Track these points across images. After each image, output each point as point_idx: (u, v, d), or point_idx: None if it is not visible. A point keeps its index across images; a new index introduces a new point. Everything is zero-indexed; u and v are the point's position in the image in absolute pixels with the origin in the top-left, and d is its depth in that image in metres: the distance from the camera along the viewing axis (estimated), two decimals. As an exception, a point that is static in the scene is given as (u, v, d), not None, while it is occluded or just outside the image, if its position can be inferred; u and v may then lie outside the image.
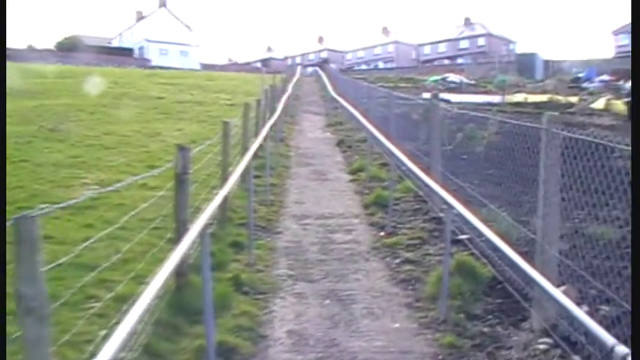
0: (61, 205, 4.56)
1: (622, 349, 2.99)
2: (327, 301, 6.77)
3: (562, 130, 5.60)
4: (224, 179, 9.08)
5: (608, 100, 33.77)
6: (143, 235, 6.86)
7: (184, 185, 6.38)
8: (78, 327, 4.87)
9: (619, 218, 9.21)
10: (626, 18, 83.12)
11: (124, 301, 4.76)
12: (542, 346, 5.35)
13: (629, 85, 42.34)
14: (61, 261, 4.36)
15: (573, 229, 7.04)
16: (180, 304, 5.99)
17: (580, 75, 52.84)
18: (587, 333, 3.71)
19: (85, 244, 4.87)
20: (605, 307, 5.74)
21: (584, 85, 47.03)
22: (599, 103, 33.07)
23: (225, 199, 9.16)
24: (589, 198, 7.83)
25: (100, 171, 12.51)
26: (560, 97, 36.34)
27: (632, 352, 2.92)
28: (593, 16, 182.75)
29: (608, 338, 3.16)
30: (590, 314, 4.77)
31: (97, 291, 5.95)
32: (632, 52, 3.10)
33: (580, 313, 3.66)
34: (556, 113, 6.14)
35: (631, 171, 3.26)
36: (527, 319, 5.95)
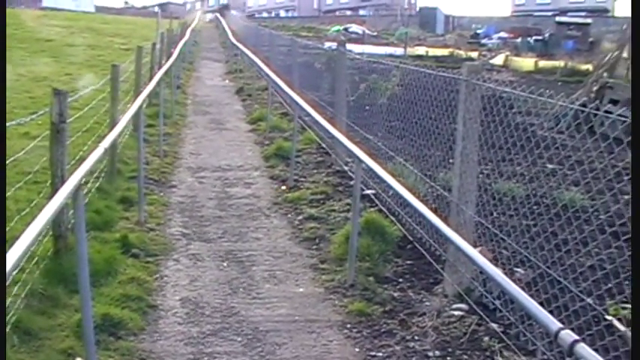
0: None
1: (568, 335, 2.59)
2: (225, 264, 6.20)
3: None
4: (112, 127, 8.24)
5: (507, 56, 34.35)
6: (21, 190, 6.06)
7: (62, 135, 5.56)
8: None
9: (524, 175, 9.06)
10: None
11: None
12: (457, 313, 5.01)
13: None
14: None
15: (483, 185, 6.77)
16: (59, 272, 5.25)
17: (479, 31, 53.68)
18: (523, 312, 3.35)
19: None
20: (520, 270, 5.47)
21: (484, 41, 47.80)
22: (498, 59, 33.58)
23: (114, 149, 8.36)
24: (492, 154, 7.58)
25: (-26, 118, 11.30)
26: (460, 52, 36.69)
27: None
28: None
29: (552, 321, 2.74)
30: (506, 276, 4.46)
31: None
32: (632, 52, 2.79)
33: (512, 286, 3.25)
34: (476, 63, 5.74)
35: (631, 169, 2.95)
36: (439, 282, 5.60)
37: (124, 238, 6.41)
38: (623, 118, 4.06)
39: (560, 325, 2.73)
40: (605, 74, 22.37)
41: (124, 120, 6.99)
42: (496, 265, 5.11)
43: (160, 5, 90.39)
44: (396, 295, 5.50)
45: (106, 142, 5.42)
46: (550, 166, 10.09)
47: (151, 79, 12.40)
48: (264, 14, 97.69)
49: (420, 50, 37.77)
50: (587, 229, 7.35)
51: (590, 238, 7.24)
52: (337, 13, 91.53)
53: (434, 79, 6.79)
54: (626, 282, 5.96)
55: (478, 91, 5.17)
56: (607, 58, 27.28)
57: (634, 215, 2.80)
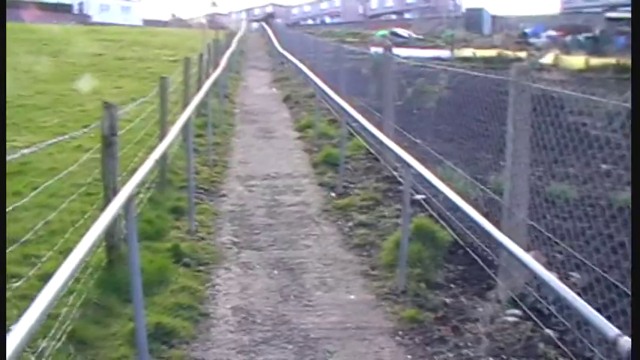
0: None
1: (627, 341, 2.51)
2: (276, 272, 6.22)
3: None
4: (162, 139, 8.36)
5: (556, 55, 33.76)
6: (74, 202, 6.18)
7: (112, 148, 5.66)
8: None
9: (577, 176, 8.86)
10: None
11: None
12: (510, 319, 4.91)
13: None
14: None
15: (537, 187, 6.65)
16: (113, 282, 5.33)
17: (527, 30, 52.85)
18: (580, 317, 3.27)
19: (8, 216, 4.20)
20: (575, 274, 5.34)
21: (532, 40, 47.07)
22: (548, 59, 33.02)
23: (164, 160, 8.47)
24: (544, 156, 7.42)
25: (31, 133, 11.61)
26: (508, 52, 36.18)
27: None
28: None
29: (610, 328, 2.67)
30: (560, 281, 4.36)
31: (19, 268, 5.25)
32: (632, 53, 2.81)
33: (567, 292, 3.17)
34: (525, 64, 5.64)
35: (631, 166, 2.90)
36: (492, 287, 5.51)
37: (175, 247, 6.47)
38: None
39: (618, 332, 2.65)
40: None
41: (174, 132, 7.09)
42: (550, 269, 5.01)
43: (207, 16, 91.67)
44: (448, 301, 5.43)
45: (156, 154, 5.50)
46: (604, 166, 9.88)
47: (199, 89, 12.56)
48: (309, 21, 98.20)
49: (467, 52, 37.38)
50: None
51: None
52: (382, 17, 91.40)
53: (482, 81, 6.70)
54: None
55: (528, 92, 5.07)
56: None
57: (634, 216, 2.72)
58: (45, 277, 4.42)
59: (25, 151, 4.84)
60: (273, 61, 32.00)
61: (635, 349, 2.38)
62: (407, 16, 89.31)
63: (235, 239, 7.17)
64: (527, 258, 3.73)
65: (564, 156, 6.21)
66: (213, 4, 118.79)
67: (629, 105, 6.08)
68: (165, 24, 79.74)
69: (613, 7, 66.92)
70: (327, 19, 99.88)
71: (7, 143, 10.58)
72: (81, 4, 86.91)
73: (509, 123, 5.20)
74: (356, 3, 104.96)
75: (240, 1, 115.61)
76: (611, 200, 8.48)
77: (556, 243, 5.58)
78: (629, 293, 4.72)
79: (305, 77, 17.47)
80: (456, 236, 6.50)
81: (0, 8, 5.43)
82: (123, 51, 30.08)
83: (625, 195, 8.51)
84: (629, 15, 50.11)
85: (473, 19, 65.29)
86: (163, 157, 7.72)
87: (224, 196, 8.96)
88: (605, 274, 4.96)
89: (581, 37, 44.06)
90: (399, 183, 8.45)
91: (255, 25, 71.96)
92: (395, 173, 9.15)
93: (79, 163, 6.21)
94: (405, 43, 44.97)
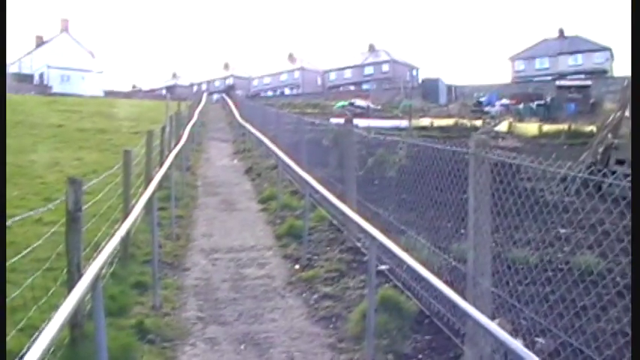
0: None
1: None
2: (242, 347, 6.15)
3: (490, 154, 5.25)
4: (126, 212, 8.32)
5: (511, 122, 34.72)
6: (36, 278, 6.07)
7: (77, 223, 5.63)
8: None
9: (537, 241, 9.03)
10: (523, 44, 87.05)
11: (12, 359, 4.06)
12: (479, 388, 4.93)
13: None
14: None
15: (497, 254, 6.75)
16: (76, 360, 5.23)
17: (482, 99, 54.42)
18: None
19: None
20: (541, 340, 5.41)
21: (486, 109, 48.41)
22: (503, 126, 33.93)
23: (128, 234, 8.41)
24: (504, 222, 7.55)
25: (-12, 207, 11.42)
26: (465, 121, 37.07)
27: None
28: (491, 43, 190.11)
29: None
30: (527, 347, 4.41)
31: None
32: (632, 54, 2.90)
33: (532, 358, 3.23)
34: (483, 136, 5.83)
35: (631, 175, 3.02)
36: (459, 356, 5.53)
37: (139, 323, 6.39)
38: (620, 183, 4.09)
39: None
40: (609, 135, 22.51)
41: (138, 207, 7.08)
42: (516, 336, 5.07)
43: (168, 87, 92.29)
44: (416, 372, 5.43)
45: (122, 231, 5.48)
46: (562, 230, 10.09)
47: (161, 162, 12.59)
48: (269, 93, 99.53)
49: (425, 121, 38.19)
50: (605, 293, 7.30)
51: (609, 303, 7.17)
52: (341, 88, 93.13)
53: (441, 152, 6.87)
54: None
55: (487, 164, 5.22)
56: (610, 118, 27.51)
57: (634, 222, 2.79)
58: (9, 355, 4.34)
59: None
60: (234, 132, 32.25)
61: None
62: (365, 86, 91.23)
63: (200, 314, 7.09)
64: (492, 326, 3.79)
65: (524, 222, 6.35)
66: (174, 75, 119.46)
67: (580, 175, 6.27)
68: (126, 95, 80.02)
69: (562, 76, 69.34)
70: (287, 91, 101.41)
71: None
72: (42, 74, 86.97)
73: (470, 193, 5.33)
74: (315, 74, 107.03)
75: (201, 73, 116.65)
76: (572, 264, 8.66)
77: (521, 310, 5.66)
78: (595, 358, 4.80)
79: (266, 149, 17.62)
80: (421, 306, 6.54)
81: (0, 8, 5.44)
82: (84, 122, 30.08)
83: (584, 258, 8.71)
84: (577, 82, 51.99)
85: (429, 89, 67.02)
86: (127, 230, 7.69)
87: (188, 270, 8.89)
88: (570, 339, 5.04)
89: (533, 104, 45.52)
90: (363, 254, 8.51)
91: (215, 96, 72.67)
92: (359, 244, 9.21)
93: (44, 239, 6.15)
94: (364, 113, 45.87)
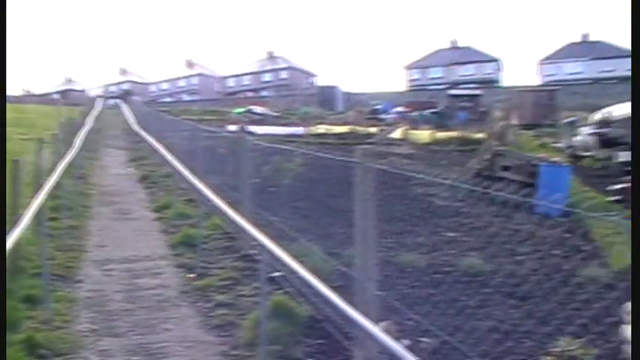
0: None
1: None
2: (136, 358, 6.13)
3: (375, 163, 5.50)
4: (14, 225, 8.07)
5: (405, 129, 35.69)
6: None
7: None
8: None
9: (425, 245, 9.42)
10: (418, 54, 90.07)
11: None
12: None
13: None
14: None
15: (385, 258, 7.04)
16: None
17: (377, 107, 55.64)
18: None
19: None
20: (425, 339, 5.69)
21: (382, 116, 49.56)
22: (397, 133, 34.81)
23: (16, 246, 8.16)
24: (393, 226, 7.87)
25: None
26: (360, 128, 37.80)
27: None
28: (387, 52, 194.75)
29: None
30: (412, 348, 4.67)
31: None
32: (632, 54, 3.10)
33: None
34: (368, 146, 6.08)
35: (631, 175, 3.21)
36: (350, 358, 5.73)
37: (29, 338, 6.23)
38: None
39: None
40: (495, 142, 23.63)
41: (26, 219, 6.92)
42: (401, 337, 5.32)
43: (61, 92, 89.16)
44: (307, 375, 5.59)
45: (8, 243, 5.36)
46: (450, 234, 10.56)
47: (53, 170, 12.25)
48: (167, 99, 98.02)
49: (322, 128, 38.68)
50: (487, 292, 7.74)
51: (490, 301, 7.61)
52: (239, 95, 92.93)
53: (332, 161, 7.09)
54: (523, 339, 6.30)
55: (372, 173, 5.45)
56: (496, 127, 28.85)
57: (634, 221, 2.93)
58: None
59: None
60: (129, 139, 31.62)
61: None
62: (263, 93, 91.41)
63: (93, 326, 6.99)
64: (375, 330, 3.99)
65: (414, 227, 6.63)
66: (68, 79, 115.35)
67: (465, 186, 6.62)
68: (16, 99, 76.69)
69: (455, 85, 71.95)
70: (185, 97, 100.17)
71: None
72: None
73: (356, 201, 5.54)
74: (213, 81, 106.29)
75: (97, 78, 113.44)
76: (456, 266, 9.11)
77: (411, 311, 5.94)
78: (468, 355, 5.12)
79: (162, 157, 17.44)
80: (313, 311, 6.71)
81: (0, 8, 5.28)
82: (-32, 131, 28.63)
83: (468, 260, 9.17)
84: (468, 92, 54.09)
85: (326, 97, 67.95)
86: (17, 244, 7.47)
87: (80, 282, 8.72)
88: (449, 337, 5.35)
89: (426, 112, 47.02)
90: (257, 261, 8.61)
91: (111, 102, 70.88)
92: (252, 252, 9.31)
93: None
94: (262, 120, 46.02)
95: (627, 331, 5.01)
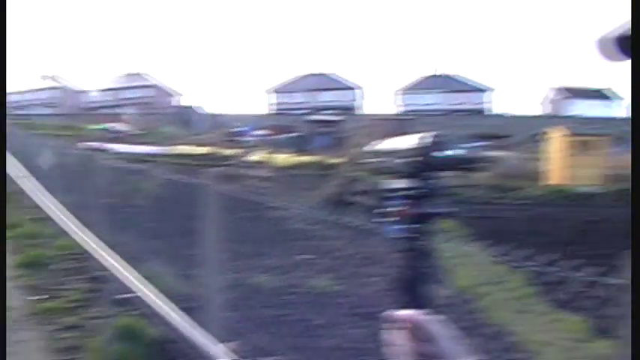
0: None
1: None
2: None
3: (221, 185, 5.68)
4: None
5: (265, 153, 36.08)
6: None
7: None
8: None
9: (278, 267, 9.69)
10: (282, 79, 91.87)
11: None
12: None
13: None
14: None
15: (237, 280, 7.20)
16: None
17: (239, 129, 55.77)
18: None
19: None
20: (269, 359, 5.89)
21: (243, 138, 49.75)
22: (257, 156, 35.10)
23: None
24: (247, 249, 8.09)
25: None
26: (220, 150, 37.76)
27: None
28: (252, 75, 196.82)
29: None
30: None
31: None
32: (632, 54, 3.23)
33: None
34: (219, 169, 6.26)
35: (631, 179, 3.35)
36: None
37: None
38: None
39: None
40: (352, 167, 24.52)
41: None
42: (246, 357, 5.49)
43: None
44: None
45: None
46: (302, 256, 10.86)
47: None
48: (23, 111, 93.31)
49: (181, 149, 38.29)
50: (336, 312, 8.09)
51: (341, 321, 7.95)
52: (100, 110, 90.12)
53: (185, 184, 7.20)
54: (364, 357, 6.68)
55: (215, 196, 5.62)
56: (353, 152, 29.89)
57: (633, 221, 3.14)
58: None
59: None
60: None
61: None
62: (125, 110, 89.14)
63: None
64: (216, 350, 4.16)
65: (269, 249, 6.84)
66: None
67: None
68: None
69: (317, 110, 73.60)
70: (41, 110, 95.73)
71: None
72: None
73: (206, 223, 5.69)
74: (73, 94, 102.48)
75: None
76: (308, 287, 9.42)
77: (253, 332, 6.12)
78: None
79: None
80: (163, 331, 6.75)
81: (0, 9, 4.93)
82: None
83: (317, 282, 9.51)
84: (327, 117, 55.51)
85: (187, 117, 67.38)
86: None
87: None
88: (293, 357, 5.59)
89: (287, 136, 47.82)
90: (108, 282, 8.52)
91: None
92: (103, 273, 9.18)
93: None
94: (122, 138, 44.94)
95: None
